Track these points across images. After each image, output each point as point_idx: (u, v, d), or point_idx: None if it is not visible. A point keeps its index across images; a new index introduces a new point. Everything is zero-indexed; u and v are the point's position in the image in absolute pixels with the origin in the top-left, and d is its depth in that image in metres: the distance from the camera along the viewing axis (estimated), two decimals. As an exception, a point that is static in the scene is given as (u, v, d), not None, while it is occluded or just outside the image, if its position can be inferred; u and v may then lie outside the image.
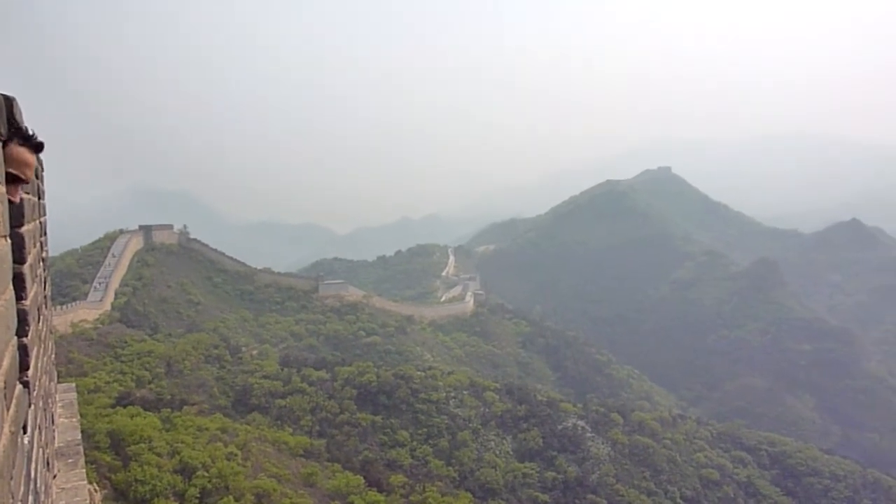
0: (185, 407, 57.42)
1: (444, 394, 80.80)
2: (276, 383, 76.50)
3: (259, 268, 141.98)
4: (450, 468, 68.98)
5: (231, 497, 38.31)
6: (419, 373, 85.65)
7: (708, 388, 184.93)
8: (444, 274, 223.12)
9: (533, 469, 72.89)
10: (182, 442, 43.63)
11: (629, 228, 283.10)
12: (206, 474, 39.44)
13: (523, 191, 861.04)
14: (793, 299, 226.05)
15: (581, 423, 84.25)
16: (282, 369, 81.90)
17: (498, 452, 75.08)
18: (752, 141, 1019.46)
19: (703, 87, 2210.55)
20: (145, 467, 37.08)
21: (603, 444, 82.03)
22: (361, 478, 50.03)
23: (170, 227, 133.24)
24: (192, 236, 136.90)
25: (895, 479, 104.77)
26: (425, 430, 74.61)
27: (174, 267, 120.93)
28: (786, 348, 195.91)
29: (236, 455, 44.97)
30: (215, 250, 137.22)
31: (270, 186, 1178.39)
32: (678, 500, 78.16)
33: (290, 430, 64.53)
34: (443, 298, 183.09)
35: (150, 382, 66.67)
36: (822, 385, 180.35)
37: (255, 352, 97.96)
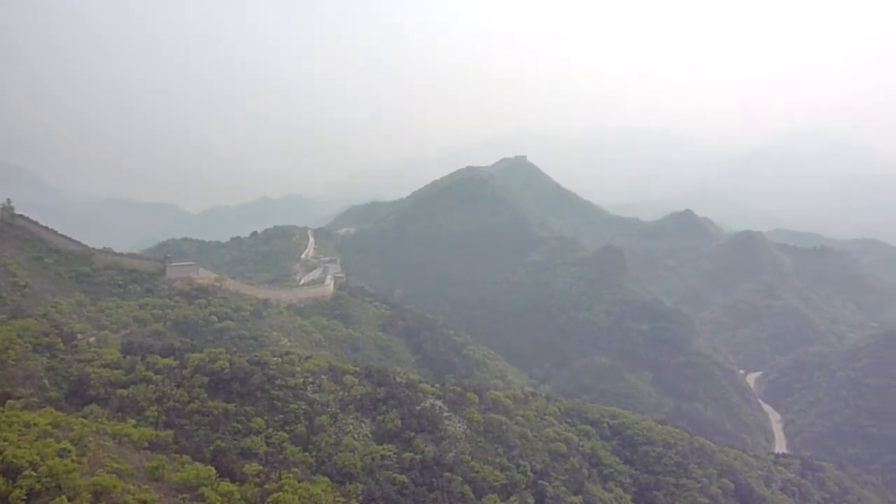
0: (8, 401, 52.19)
1: (302, 379, 79.11)
2: (116, 372, 71.09)
3: (98, 248, 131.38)
4: (307, 454, 67.78)
5: (64, 497, 35.48)
6: (275, 358, 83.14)
7: (557, 366, 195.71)
8: (303, 256, 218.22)
9: (391, 451, 73.39)
10: (5, 440, 39.94)
11: (488, 214, 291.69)
12: (33, 474, 36.41)
13: (384, 174, 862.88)
14: (634, 283, 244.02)
15: (439, 402, 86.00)
16: (123, 357, 76.18)
17: (356, 436, 74.76)
18: (598, 135, 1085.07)
19: (554, 83, 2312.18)
20: (-41, 470, 33.38)
21: (459, 422, 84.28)
22: (212, 468, 47.72)
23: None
24: (17, 212, 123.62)
25: (717, 445, 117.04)
26: (282, 416, 72.62)
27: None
28: (627, 328, 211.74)
29: (70, 451, 41.50)
30: (46, 228, 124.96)
31: (117, 160, 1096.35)
32: (529, 473, 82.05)
33: (134, 421, 60.30)
34: (302, 282, 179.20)
35: (-35, 375, 59.81)
36: (658, 361, 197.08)
37: (92, 339, 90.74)
